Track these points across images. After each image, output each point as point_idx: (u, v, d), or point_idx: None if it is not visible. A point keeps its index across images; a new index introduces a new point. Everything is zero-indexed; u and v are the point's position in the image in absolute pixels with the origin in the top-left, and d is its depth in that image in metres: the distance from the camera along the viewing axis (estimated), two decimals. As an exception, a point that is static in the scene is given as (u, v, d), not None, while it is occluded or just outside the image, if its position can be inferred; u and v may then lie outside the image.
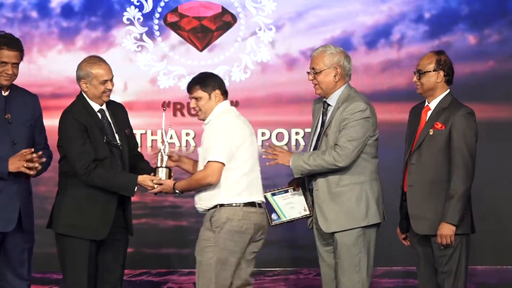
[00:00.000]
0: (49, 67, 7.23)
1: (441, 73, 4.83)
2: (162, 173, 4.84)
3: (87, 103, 4.93)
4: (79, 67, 4.95)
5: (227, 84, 7.29)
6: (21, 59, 4.87)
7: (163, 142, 4.91)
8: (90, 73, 4.88)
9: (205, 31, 7.31)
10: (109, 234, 4.90)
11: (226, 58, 7.32)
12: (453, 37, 7.32)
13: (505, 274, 7.11)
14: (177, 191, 4.86)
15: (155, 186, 4.84)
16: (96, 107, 4.94)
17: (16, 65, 4.81)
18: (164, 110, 4.99)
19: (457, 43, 7.31)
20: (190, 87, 4.90)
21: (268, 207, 4.88)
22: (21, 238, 4.84)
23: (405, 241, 5.01)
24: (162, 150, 4.85)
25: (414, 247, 4.92)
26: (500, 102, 7.30)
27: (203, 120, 4.92)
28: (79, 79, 4.93)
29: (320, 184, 4.84)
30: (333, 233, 4.85)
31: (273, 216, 4.90)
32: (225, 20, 7.32)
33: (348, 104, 4.80)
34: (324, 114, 4.93)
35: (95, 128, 4.86)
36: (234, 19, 7.32)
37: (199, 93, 4.88)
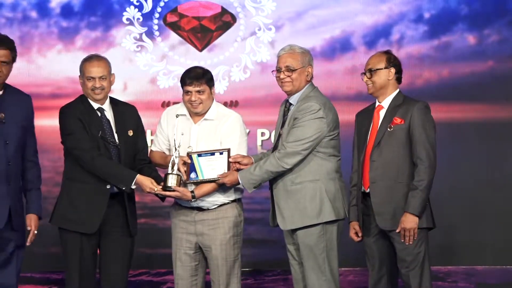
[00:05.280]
0: (49, 67, 7.23)
1: (392, 70, 4.84)
2: (172, 180, 4.82)
3: (86, 101, 4.98)
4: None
5: (226, 84, 7.39)
6: (13, 58, 4.84)
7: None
8: (81, 69, 4.98)
9: (204, 31, 7.32)
10: (107, 233, 4.93)
11: (226, 58, 7.33)
12: (453, 37, 7.33)
13: (505, 274, 7.11)
14: (193, 200, 4.89)
15: (155, 189, 4.82)
16: (95, 105, 4.97)
17: (5, 63, 4.79)
18: (177, 116, 4.97)
19: (457, 43, 7.32)
20: (199, 79, 4.92)
21: (190, 166, 4.88)
22: (10, 236, 4.84)
23: (356, 236, 4.97)
24: (173, 157, 4.83)
25: (369, 247, 4.90)
26: (499, 102, 7.30)
27: (200, 113, 4.95)
28: (79, 75, 5.01)
29: (277, 183, 4.86)
30: (294, 232, 4.87)
31: (192, 175, 4.87)
32: (224, 20, 7.32)
33: (302, 103, 4.81)
34: (286, 113, 4.94)
35: (91, 124, 4.89)
36: (233, 19, 7.32)
37: (205, 87, 4.92)
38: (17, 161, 4.81)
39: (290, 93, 4.90)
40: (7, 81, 4.83)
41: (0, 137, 4.74)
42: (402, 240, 4.71)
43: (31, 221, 4.85)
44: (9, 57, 4.80)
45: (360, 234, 4.92)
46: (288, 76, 4.85)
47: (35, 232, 4.85)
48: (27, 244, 4.85)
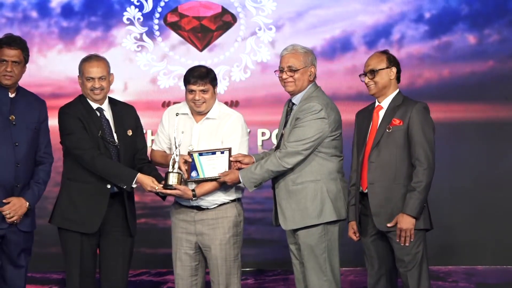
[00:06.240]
0: (49, 67, 7.24)
1: (394, 69, 4.85)
2: (173, 178, 4.82)
3: (85, 101, 4.99)
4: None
5: (227, 84, 7.39)
6: (25, 59, 4.87)
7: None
8: (81, 69, 4.98)
9: (205, 31, 7.32)
10: (107, 233, 4.94)
11: (226, 58, 7.33)
12: (453, 37, 7.33)
13: (505, 274, 7.11)
14: (194, 198, 4.89)
15: (156, 187, 4.82)
16: (94, 105, 4.98)
17: (16, 63, 4.81)
18: (176, 115, 4.98)
19: (457, 43, 7.32)
20: (203, 78, 4.93)
21: (191, 165, 4.89)
22: (18, 237, 4.85)
23: (354, 236, 4.97)
24: (174, 155, 4.83)
25: (368, 247, 4.90)
26: (499, 102, 7.30)
27: (203, 112, 4.95)
28: (78, 75, 5.01)
29: (279, 182, 4.87)
30: (295, 232, 4.87)
31: (193, 173, 4.89)
32: (225, 20, 7.32)
33: (303, 104, 4.82)
34: (288, 113, 4.94)
35: (90, 123, 4.90)
36: (234, 19, 7.32)
37: (209, 86, 4.93)
38: (27, 163, 4.84)
39: (292, 93, 4.91)
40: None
41: (9, 139, 4.76)
42: (398, 241, 4.71)
43: (16, 201, 4.77)
44: (20, 57, 4.83)
45: (357, 234, 4.92)
46: (291, 76, 4.85)
47: (13, 215, 4.76)
48: (8, 220, 4.77)
